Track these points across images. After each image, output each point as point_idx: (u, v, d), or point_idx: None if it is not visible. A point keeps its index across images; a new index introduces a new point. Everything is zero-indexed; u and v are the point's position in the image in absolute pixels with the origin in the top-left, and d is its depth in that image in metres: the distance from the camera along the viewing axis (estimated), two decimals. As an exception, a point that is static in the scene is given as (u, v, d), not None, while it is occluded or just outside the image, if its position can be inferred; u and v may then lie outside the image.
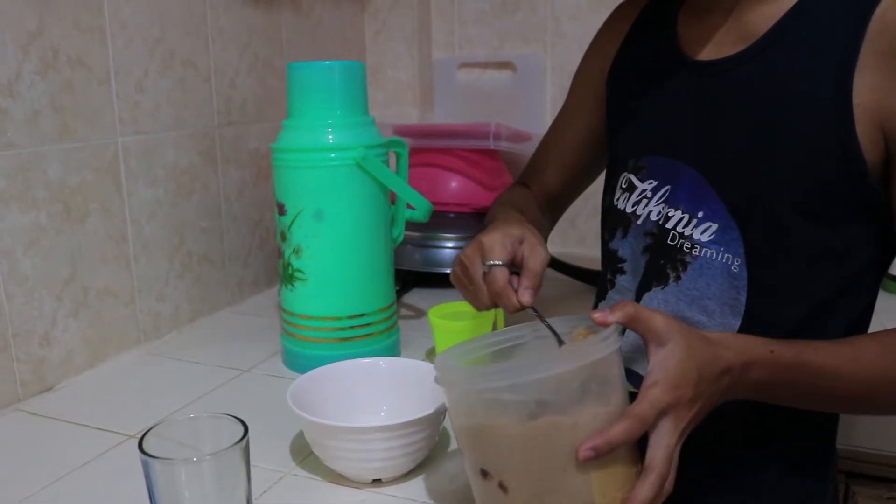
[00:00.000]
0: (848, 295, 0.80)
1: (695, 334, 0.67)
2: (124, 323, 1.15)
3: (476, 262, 0.81)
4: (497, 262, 0.80)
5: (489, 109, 1.74)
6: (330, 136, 1.01)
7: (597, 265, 1.03)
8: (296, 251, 1.03)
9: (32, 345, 1.01)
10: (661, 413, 0.63)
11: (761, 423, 0.83)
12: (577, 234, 1.73)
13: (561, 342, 0.73)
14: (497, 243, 0.81)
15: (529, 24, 1.70)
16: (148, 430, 0.61)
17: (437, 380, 0.68)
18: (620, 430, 0.61)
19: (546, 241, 1.12)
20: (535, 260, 0.81)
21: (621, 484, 0.63)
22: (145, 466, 0.58)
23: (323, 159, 1.00)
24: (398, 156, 1.11)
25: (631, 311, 0.67)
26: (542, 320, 0.75)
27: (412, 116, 1.78)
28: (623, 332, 0.70)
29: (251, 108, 1.39)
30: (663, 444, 0.63)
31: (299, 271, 1.04)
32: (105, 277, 1.11)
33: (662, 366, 0.65)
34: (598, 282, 0.99)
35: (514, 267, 0.82)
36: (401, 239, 1.13)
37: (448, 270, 1.39)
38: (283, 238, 1.05)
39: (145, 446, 0.59)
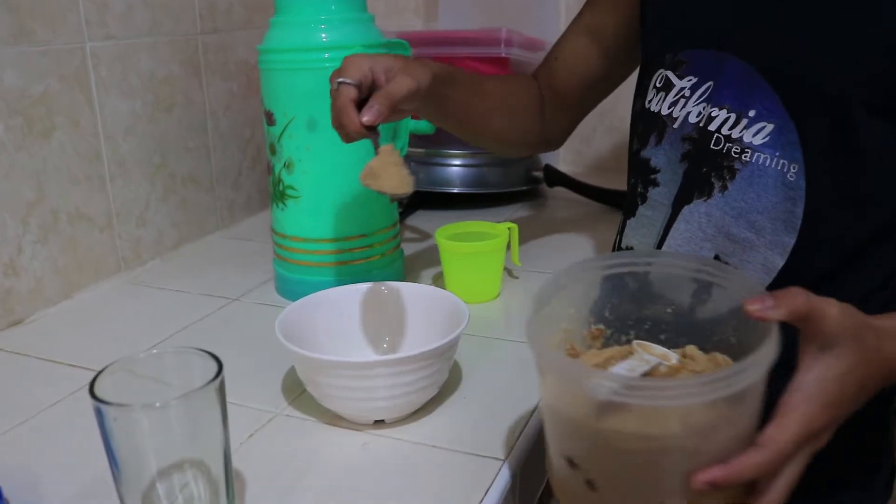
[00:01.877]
0: None
1: (867, 334, 0.54)
2: (101, 249, 1.04)
3: (332, 80, 0.73)
4: (345, 80, 0.72)
5: (498, 18, 1.59)
6: (323, 35, 0.89)
7: (615, 185, 0.91)
8: (287, 165, 0.92)
9: (-4, 273, 0.91)
10: (805, 442, 0.51)
11: None
12: (593, 153, 1.61)
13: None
14: (354, 64, 0.73)
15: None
16: (102, 371, 0.51)
17: (530, 346, 0.54)
18: (751, 467, 0.49)
19: (550, 140, 1.04)
20: (394, 84, 0.72)
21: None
22: (98, 415, 0.48)
23: (316, 60, 0.88)
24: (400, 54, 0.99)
25: (802, 308, 0.51)
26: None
27: (415, 26, 1.64)
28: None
29: (238, 12, 1.26)
30: (791, 473, 0.52)
31: (291, 188, 0.93)
32: (77, 199, 1.00)
33: (819, 378, 0.52)
34: (619, 202, 0.88)
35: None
36: (404, 153, 1.01)
37: (456, 190, 1.29)
38: (273, 151, 0.93)
39: (98, 390, 0.49)
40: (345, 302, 0.79)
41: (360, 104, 0.72)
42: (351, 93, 0.72)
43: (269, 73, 0.91)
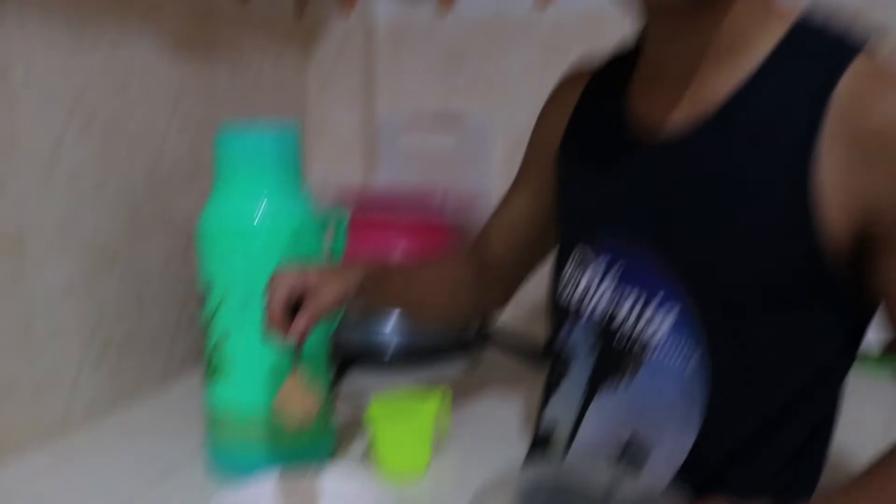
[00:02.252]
0: (813, 391, 0.74)
1: None
2: (27, 419, 1.03)
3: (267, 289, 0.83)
4: (275, 299, 0.81)
5: (436, 169, 1.66)
6: (261, 212, 0.91)
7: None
8: (221, 341, 0.93)
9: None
10: None
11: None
12: (529, 305, 1.65)
13: None
14: (283, 283, 0.81)
15: (477, 82, 1.63)
16: None
17: None
18: None
19: (483, 313, 1.10)
20: (319, 299, 0.81)
21: None
22: None
23: (252, 238, 0.91)
24: (336, 228, 1.02)
25: None
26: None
27: (355, 176, 1.70)
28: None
29: (182, 171, 1.29)
30: None
31: (224, 362, 0.94)
32: (3, 368, 0.99)
33: None
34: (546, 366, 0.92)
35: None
36: (339, 320, 1.03)
37: (391, 350, 1.31)
38: (207, 325, 0.95)
39: None
40: (272, 496, 0.80)
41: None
42: (280, 304, 0.81)
43: (207, 248, 0.94)
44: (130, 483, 0.96)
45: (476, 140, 1.63)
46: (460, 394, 1.19)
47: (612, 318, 0.79)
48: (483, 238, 1.05)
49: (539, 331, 1.40)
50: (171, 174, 1.27)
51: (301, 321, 0.80)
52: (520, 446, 0.96)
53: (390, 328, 1.31)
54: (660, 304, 0.75)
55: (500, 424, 1.12)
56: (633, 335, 0.77)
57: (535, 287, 1.05)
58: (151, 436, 1.10)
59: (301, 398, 0.80)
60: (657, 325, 0.75)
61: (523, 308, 1.60)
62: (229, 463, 0.94)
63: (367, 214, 1.37)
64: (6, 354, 0.99)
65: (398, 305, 0.96)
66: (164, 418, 1.16)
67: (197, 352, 1.34)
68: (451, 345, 1.37)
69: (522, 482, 0.66)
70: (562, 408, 0.86)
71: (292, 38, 1.63)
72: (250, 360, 0.93)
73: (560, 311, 0.86)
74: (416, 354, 1.33)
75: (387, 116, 1.70)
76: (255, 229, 0.91)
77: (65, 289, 1.07)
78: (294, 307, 0.82)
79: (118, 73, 1.15)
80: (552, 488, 0.65)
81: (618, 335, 0.78)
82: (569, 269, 0.85)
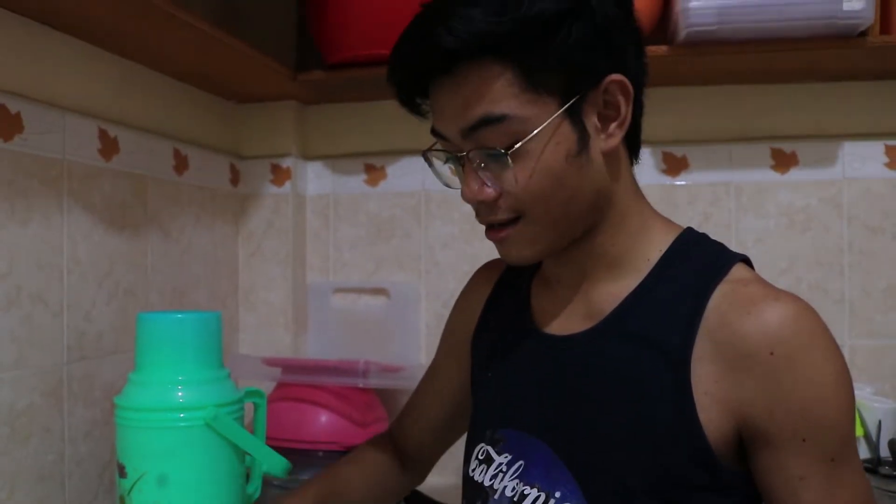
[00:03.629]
0: None
1: None
2: None
3: None
4: None
5: (364, 335, 1.71)
6: (179, 394, 0.94)
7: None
8: (135, 518, 0.94)
9: None
10: None
11: None
12: (453, 475, 1.66)
13: None
14: None
15: (404, 251, 1.71)
16: None
17: None
18: None
19: (403, 494, 1.10)
20: None
21: None
22: None
23: (171, 419, 0.93)
24: (256, 407, 1.05)
25: None
26: None
27: (285, 341, 1.73)
28: None
29: (108, 340, 1.31)
30: None
31: (137, 544, 0.94)
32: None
33: None
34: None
35: None
36: (257, 495, 1.05)
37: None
38: (123, 501, 0.95)
39: None
40: None
41: None
42: None
43: (124, 428, 0.95)
44: None
45: (403, 306, 1.69)
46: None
47: (522, 496, 0.82)
48: (400, 425, 1.10)
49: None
50: (96, 344, 1.28)
51: None
52: None
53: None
54: (559, 501, 0.78)
55: None
56: None
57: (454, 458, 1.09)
58: None
59: None
60: None
61: (442, 473, 1.62)
62: None
63: (293, 381, 1.40)
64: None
65: None
66: None
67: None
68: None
69: None
70: None
71: (226, 207, 1.70)
72: (164, 541, 0.93)
73: (472, 486, 0.89)
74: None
75: (316, 283, 1.75)
76: (177, 405, 0.94)
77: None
78: None
79: (48, 246, 1.19)
80: None
81: None
82: (477, 455, 0.89)
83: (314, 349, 1.73)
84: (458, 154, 0.78)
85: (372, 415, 1.45)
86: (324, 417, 1.41)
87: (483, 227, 0.81)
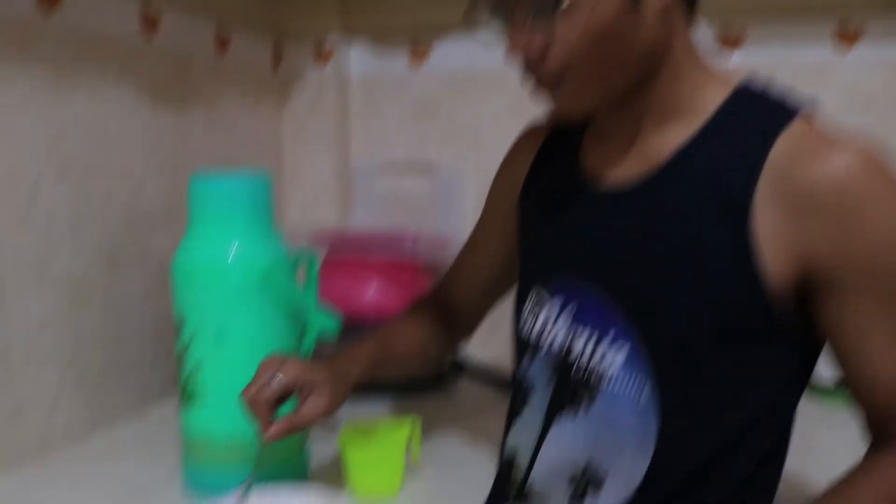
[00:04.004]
0: (763, 422, 0.78)
1: None
2: (5, 441, 1.05)
3: (261, 374, 0.85)
4: (274, 382, 0.84)
5: (409, 214, 1.71)
6: (234, 251, 0.95)
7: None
8: (194, 370, 0.96)
9: None
10: None
11: None
12: (500, 341, 1.68)
13: None
14: (286, 372, 0.85)
15: (449, 131, 1.70)
16: None
17: None
18: None
19: (451, 353, 1.13)
20: (305, 410, 0.85)
21: None
22: None
23: (225, 276, 0.95)
24: (308, 268, 1.06)
25: None
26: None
27: (330, 221, 1.74)
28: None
29: (157, 212, 1.33)
30: None
31: (197, 391, 0.97)
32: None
33: None
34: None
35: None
36: (310, 355, 1.07)
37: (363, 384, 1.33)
38: (182, 356, 0.98)
39: None
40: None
41: None
42: (270, 396, 0.84)
43: (181, 284, 0.97)
44: (109, 502, 0.99)
45: (448, 186, 1.68)
46: (432, 422, 1.22)
47: (568, 351, 0.83)
48: (447, 282, 1.11)
49: (508, 363, 1.44)
50: (147, 215, 1.31)
51: (281, 428, 0.84)
52: (489, 471, 0.99)
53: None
54: (611, 342, 0.79)
55: (471, 450, 1.16)
56: (589, 367, 0.81)
57: (505, 321, 1.10)
58: (129, 459, 1.13)
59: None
60: (610, 360, 0.79)
61: (494, 341, 1.64)
62: (205, 485, 0.97)
63: (341, 255, 1.41)
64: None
65: (379, 377, 1.01)
66: (141, 443, 1.19)
67: (173, 381, 1.36)
68: (424, 376, 1.40)
69: None
70: (523, 435, 0.89)
71: (268, 89, 1.69)
72: (222, 389, 0.96)
73: (521, 345, 0.90)
74: (389, 385, 1.36)
75: (361, 163, 1.75)
76: (228, 267, 0.95)
77: (42, 320, 1.10)
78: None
79: (96, 120, 1.20)
80: None
81: (574, 367, 0.82)
82: (528, 306, 0.90)
83: (359, 227, 1.74)
84: (505, 7, 0.76)
85: (419, 287, 1.46)
86: (371, 291, 1.42)
87: (528, 104, 0.79)
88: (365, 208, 1.75)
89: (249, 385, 0.85)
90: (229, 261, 0.95)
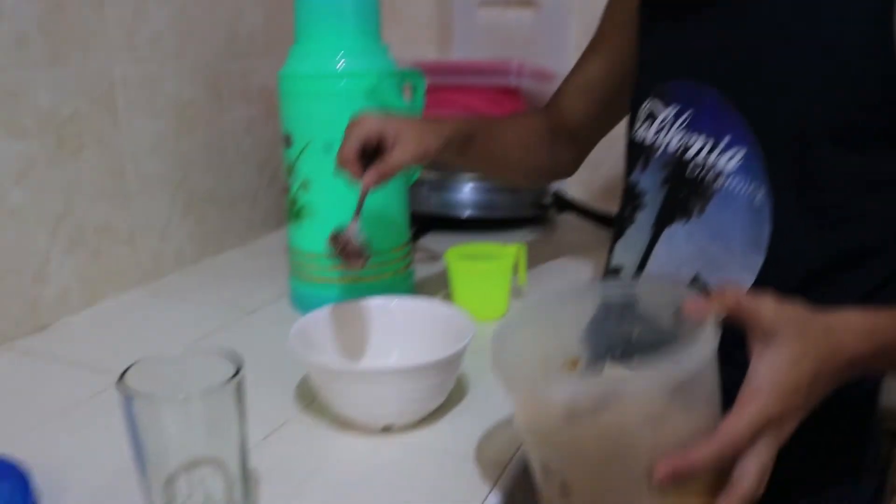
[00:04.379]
0: (886, 237, 0.73)
1: (812, 321, 0.57)
2: (123, 262, 1.09)
3: (346, 133, 0.80)
4: (352, 142, 0.79)
5: (511, 49, 1.64)
6: (341, 62, 0.93)
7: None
8: (303, 185, 0.96)
9: (25, 281, 0.95)
10: (763, 430, 0.53)
11: None
12: (600, 180, 1.65)
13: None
14: (364, 124, 0.79)
15: (555, -44, 1.60)
16: (129, 367, 0.55)
17: (495, 372, 0.58)
18: (706, 455, 0.52)
19: (561, 170, 1.08)
20: (394, 155, 0.78)
21: (701, 501, 0.54)
22: (125, 405, 0.52)
23: (333, 86, 0.93)
24: (414, 88, 1.03)
25: (732, 302, 0.55)
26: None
27: (429, 56, 1.69)
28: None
29: (260, 40, 1.32)
30: (758, 461, 0.53)
31: (307, 206, 0.97)
32: (102, 214, 1.05)
33: (769, 370, 0.54)
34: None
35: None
36: (417, 175, 1.06)
37: (467, 214, 1.33)
38: (290, 172, 0.98)
39: (125, 383, 0.52)
40: (356, 315, 0.83)
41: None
42: (353, 150, 0.79)
43: (289, 97, 0.96)
44: (220, 315, 1.02)
45: (552, 18, 1.60)
46: (537, 252, 1.21)
47: (683, 155, 0.79)
48: (559, 97, 1.06)
49: (612, 205, 1.41)
50: (249, 43, 1.29)
51: (372, 174, 0.78)
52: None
53: (468, 192, 1.33)
54: (727, 147, 0.75)
55: (575, 278, 1.15)
56: (704, 170, 0.77)
57: (604, 164, 1.06)
58: (238, 280, 1.16)
59: (352, 247, 0.80)
60: (724, 165, 0.75)
61: (595, 182, 1.61)
62: (311, 302, 0.98)
63: (442, 84, 1.37)
64: (105, 200, 1.05)
65: (476, 165, 0.96)
66: (248, 269, 1.22)
67: (276, 213, 1.39)
68: (527, 209, 1.38)
69: (594, 295, 0.67)
70: (630, 249, 0.86)
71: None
72: (331, 203, 0.96)
73: (634, 151, 0.87)
74: (494, 219, 1.35)
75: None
76: (337, 74, 0.93)
77: (152, 145, 1.12)
78: (371, 154, 0.81)
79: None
80: (622, 304, 0.66)
81: (690, 166, 0.78)
82: (642, 114, 0.85)
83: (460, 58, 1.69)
84: None
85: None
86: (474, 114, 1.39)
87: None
88: (465, 43, 1.69)
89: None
90: (337, 69, 0.93)
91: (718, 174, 0.76)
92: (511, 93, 1.42)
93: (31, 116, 0.94)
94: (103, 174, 1.04)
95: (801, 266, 0.73)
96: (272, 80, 1.33)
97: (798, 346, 0.55)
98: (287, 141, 0.97)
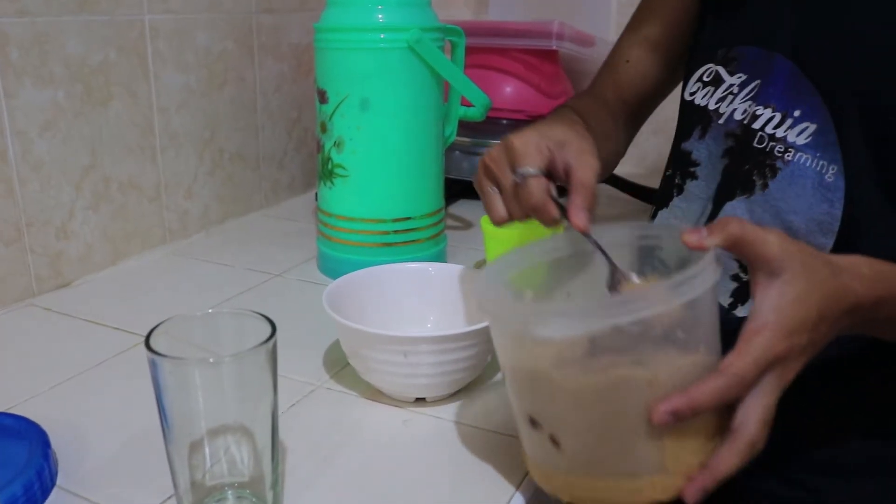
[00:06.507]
0: None
1: (818, 260, 0.53)
2: (149, 219, 1.06)
3: (504, 168, 0.65)
4: (531, 171, 0.63)
5: (550, 12, 1.59)
6: (380, 15, 0.89)
7: (657, 185, 0.90)
8: (337, 144, 0.93)
9: (48, 237, 0.93)
10: (767, 367, 0.50)
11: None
12: (638, 153, 1.60)
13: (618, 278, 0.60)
14: (531, 146, 0.64)
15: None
16: (157, 326, 0.52)
17: (479, 305, 0.55)
18: (709, 393, 0.48)
19: (621, 156, 1.00)
20: (584, 170, 0.64)
21: (701, 446, 0.51)
22: (153, 367, 0.49)
23: (371, 40, 0.89)
24: (454, 46, 0.99)
25: (736, 232, 0.51)
26: (602, 252, 0.60)
27: (465, 18, 1.65)
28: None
29: (292, -2, 1.28)
30: (761, 404, 0.50)
31: (340, 167, 0.93)
32: (128, 169, 1.02)
33: (774, 305, 0.51)
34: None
35: (557, 181, 0.66)
36: (453, 138, 1.02)
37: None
38: (324, 129, 0.94)
39: (153, 344, 0.49)
40: (391, 280, 0.79)
41: None
42: (543, 185, 0.64)
43: (325, 51, 0.92)
44: (245, 278, 0.99)
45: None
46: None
47: (752, 121, 0.74)
48: (615, 76, 0.97)
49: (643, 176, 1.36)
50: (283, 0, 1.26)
51: (581, 214, 0.62)
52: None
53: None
54: (796, 122, 0.70)
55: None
56: (770, 144, 0.72)
57: (642, 136, 1.00)
58: (264, 243, 1.13)
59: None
60: (793, 140, 0.70)
61: (632, 156, 1.55)
62: (340, 266, 0.95)
63: (478, 45, 1.33)
64: (132, 155, 1.02)
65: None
66: (275, 229, 1.19)
67: (304, 174, 1.36)
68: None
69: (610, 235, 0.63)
70: (678, 214, 0.81)
71: None
72: (366, 163, 0.92)
73: (694, 113, 0.81)
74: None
75: (499, -46, 1.63)
76: (377, 25, 0.88)
77: (181, 98, 1.08)
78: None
79: None
80: (639, 247, 0.62)
81: (756, 138, 0.73)
82: (702, 77, 0.80)
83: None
84: None
85: (559, 86, 1.38)
86: (509, 86, 1.35)
87: None
88: (501, 5, 1.64)
89: (502, 191, 0.67)
90: (378, 22, 0.88)
91: (786, 149, 0.71)
92: (549, 56, 1.37)
93: (60, 64, 0.90)
94: (131, 127, 1.01)
95: (871, 251, 0.69)
96: (304, 36, 1.29)
97: (804, 284, 0.51)
98: (321, 97, 0.93)
